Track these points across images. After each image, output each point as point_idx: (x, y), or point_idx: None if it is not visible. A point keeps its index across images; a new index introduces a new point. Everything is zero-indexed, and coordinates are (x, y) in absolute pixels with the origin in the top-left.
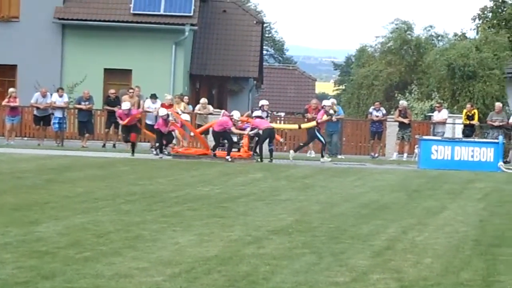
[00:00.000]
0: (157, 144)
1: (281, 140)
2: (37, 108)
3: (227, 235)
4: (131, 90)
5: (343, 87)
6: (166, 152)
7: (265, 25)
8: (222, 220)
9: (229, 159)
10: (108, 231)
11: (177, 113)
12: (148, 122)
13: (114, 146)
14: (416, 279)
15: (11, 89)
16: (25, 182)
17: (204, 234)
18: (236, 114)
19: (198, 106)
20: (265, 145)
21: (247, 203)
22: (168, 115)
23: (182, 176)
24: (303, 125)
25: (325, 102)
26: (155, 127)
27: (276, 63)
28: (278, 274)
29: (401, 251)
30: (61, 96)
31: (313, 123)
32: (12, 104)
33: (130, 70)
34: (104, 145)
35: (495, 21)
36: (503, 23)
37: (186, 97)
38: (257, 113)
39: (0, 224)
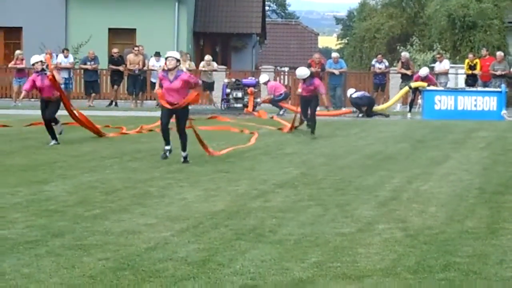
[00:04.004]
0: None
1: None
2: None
3: (233, 189)
4: (136, 48)
5: (346, 41)
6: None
7: None
8: (228, 175)
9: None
10: (116, 188)
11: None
12: (154, 80)
13: (115, 104)
14: (421, 228)
15: (17, 51)
16: (32, 143)
17: (211, 189)
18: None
19: (202, 63)
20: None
21: (253, 158)
22: (42, 63)
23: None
24: (413, 84)
25: (422, 72)
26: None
27: (279, 18)
28: (284, 226)
29: (406, 201)
30: (66, 57)
31: (423, 84)
32: (19, 66)
33: (134, 30)
34: (116, 104)
35: None
36: None
37: (188, 55)
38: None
39: (10, 184)
